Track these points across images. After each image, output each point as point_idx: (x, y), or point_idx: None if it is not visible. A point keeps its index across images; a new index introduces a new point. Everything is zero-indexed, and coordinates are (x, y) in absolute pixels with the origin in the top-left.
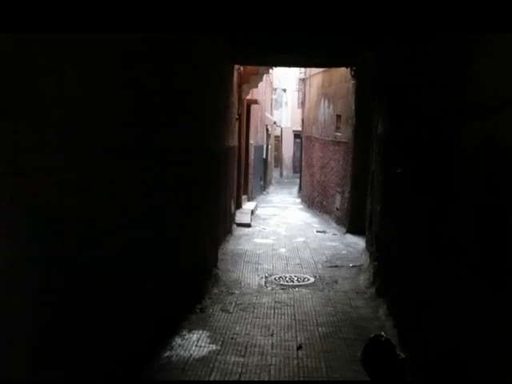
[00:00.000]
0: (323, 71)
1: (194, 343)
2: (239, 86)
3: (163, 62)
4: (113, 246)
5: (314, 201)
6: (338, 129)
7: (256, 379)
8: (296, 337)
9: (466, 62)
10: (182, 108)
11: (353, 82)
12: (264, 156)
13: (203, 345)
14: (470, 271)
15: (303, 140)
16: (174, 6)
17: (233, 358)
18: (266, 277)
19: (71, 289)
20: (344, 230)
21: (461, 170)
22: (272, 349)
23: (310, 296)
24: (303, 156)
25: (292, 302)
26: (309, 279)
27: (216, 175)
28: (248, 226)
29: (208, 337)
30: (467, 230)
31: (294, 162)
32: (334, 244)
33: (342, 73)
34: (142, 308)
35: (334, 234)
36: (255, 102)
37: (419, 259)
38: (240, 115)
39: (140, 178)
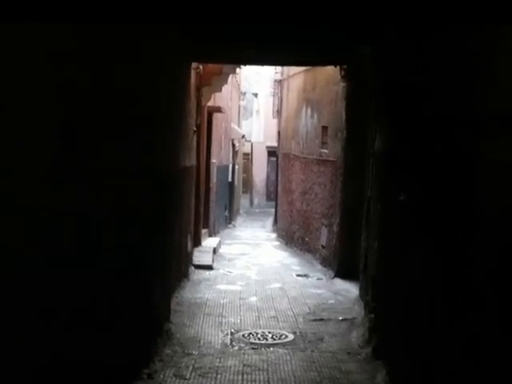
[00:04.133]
0: (305, 70)
1: None
2: (198, 90)
3: (101, 61)
4: (30, 293)
5: (293, 236)
6: (323, 144)
7: None
8: None
9: (487, 60)
10: (123, 118)
11: (343, 84)
12: (230, 179)
13: None
14: (493, 327)
15: (280, 158)
16: None
17: None
18: (231, 333)
19: None
20: (332, 273)
21: (481, 195)
22: None
23: (288, 358)
24: (280, 179)
25: (265, 366)
26: (287, 336)
27: (168, 204)
28: (209, 268)
29: None
30: (490, 275)
31: (267, 186)
32: (318, 291)
33: (330, 72)
34: (69, 375)
35: (318, 279)
36: (218, 109)
37: (428, 311)
38: (199, 127)
39: (69, 209)
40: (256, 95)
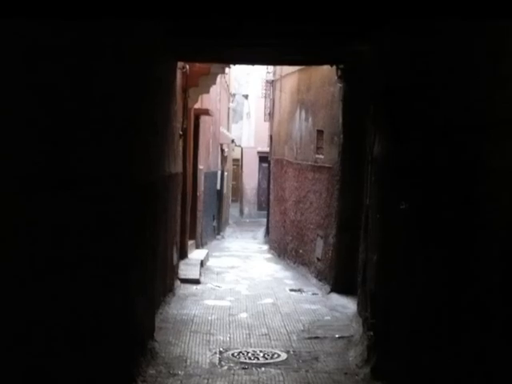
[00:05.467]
0: (299, 70)
1: None
2: (184, 91)
3: (77, 60)
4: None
5: (286, 248)
6: (319, 149)
7: None
8: None
9: (494, 60)
10: (103, 121)
11: (340, 85)
12: (218, 187)
13: None
14: (500, 341)
15: (272, 165)
16: None
17: None
18: (220, 352)
19: None
20: (328, 287)
21: (487, 204)
22: None
23: (280, 379)
24: (272, 187)
25: None
26: (279, 355)
27: (151, 213)
28: (196, 282)
29: None
30: (496, 288)
31: (258, 194)
32: (313, 307)
33: (325, 73)
34: None
35: (313, 294)
36: (206, 112)
37: (432, 327)
38: (185, 131)
39: (48, 218)
40: (246, 97)
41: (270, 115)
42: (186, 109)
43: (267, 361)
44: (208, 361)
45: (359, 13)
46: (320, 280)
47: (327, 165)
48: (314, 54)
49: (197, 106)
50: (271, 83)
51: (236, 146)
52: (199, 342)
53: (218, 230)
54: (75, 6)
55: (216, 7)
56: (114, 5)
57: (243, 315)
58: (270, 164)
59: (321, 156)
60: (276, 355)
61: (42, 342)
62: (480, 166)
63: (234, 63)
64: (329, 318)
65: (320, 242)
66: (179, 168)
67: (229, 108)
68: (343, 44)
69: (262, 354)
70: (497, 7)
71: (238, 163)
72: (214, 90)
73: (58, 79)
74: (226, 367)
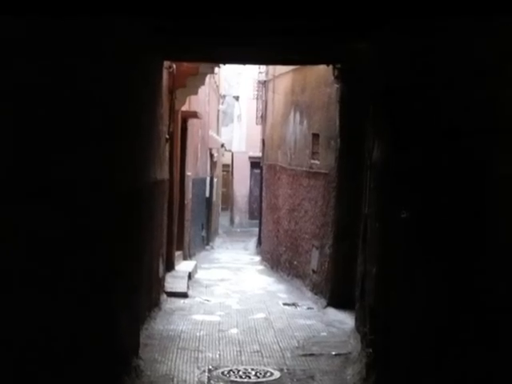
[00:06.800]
0: (294, 70)
1: None
2: (171, 92)
3: (54, 60)
4: None
5: (279, 259)
6: (314, 154)
7: None
8: None
9: (503, 58)
10: (81, 124)
11: (336, 85)
12: (207, 194)
13: None
14: (508, 361)
15: (264, 171)
16: None
17: None
18: (209, 370)
19: None
20: (324, 301)
21: (496, 214)
22: None
23: None
24: (264, 194)
25: None
26: (272, 374)
27: (135, 223)
28: (184, 295)
29: None
30: (504, 304)
31: (250, 202)
32: (308, 322)
33: (321, 73)
34: None
35: (308, 308)
36: (194, 114)
37: (434, 344)
38: (172, 134)
39: (20, 228)
40: (237, 98)
41: (263, 118)
42: (172, 111)
43: (259, 379)
44: (196, 379)
45: (359, 13)
46: (315, 293)
47: (323, 171)
48: (311, 53)
49: (184, 108)
50: (263, 84)
51: (226, 150)
52: (187, 359)
53: (206, 241)
54: (49, 1)
55: (203, 3)
56: (94, 1)
57: (234, 331)
58: (262, 170)
59: (316, 161)
60: (269, 373)
61: (10, 363)
62: (489, 172)
63: (225, 63)
64: (325, 333)
65: (315, 253)
66: (165, 174)
67: (218, 110)
68: (341, 43)
69: (253, 373)
70: (499, 5)
71: (228, 169)
72: (202, 91)
73: (29, 80)
74: None
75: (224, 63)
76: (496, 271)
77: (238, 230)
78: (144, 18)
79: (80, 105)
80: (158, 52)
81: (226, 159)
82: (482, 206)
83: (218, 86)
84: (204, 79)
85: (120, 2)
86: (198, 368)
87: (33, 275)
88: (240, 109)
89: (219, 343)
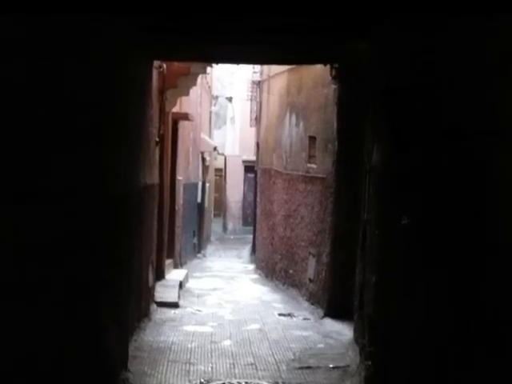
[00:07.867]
0: (289, 70)
1: None
2: (161, 93)
3: (39, 59)
4: None
5: (274, 268)
6: (311, 158)
7: None
8: None
9: (505, 58)
10: (66, 127)
11: (334, 86)
12: (199, 199)
13: None
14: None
15: (259, 175)
16: None
17: None
18: None
19: None
20: (321, 312)
21: (501, 219)
22: None
23: None
24: (259, 200)
25: None
26: None
27: (123, 229)
28: (175, 305)
29: None
30: (507, 313)
31: (244, 208)
32: (305, 334)
33: (318, 72)
34: None
35: (305, 319)
36: (185, 116)
37: (436, 357)
38: (162, 137)
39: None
40: (230, 99)
41: (257, 120)
42: (163, 113)
43: None
44: None
45: (360, 7)
46: (312, 303)
47: (320, 175)
48: (308, 53)
49: (175, 109)
50: (258, 84)
51: (219, 154)
52: (178, 372)
53: (198, 248)
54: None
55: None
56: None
57: (227, 342)
58: (256, 174)
59: (313, 165)
60: None
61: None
62: (493, 176)
63: (218, 62)
64: (322, 345)
65: (312, 261)
66: (155, 179)
67: (211, 112)
68: (341, 43)
69: None
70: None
71: (220, 173)
72: (194, 91)
73: (14, 81)
74: None
75: (217, 63)
76: (498, 277)
77: (232, 237)
78: (131, 17)
79: (65, 106)
80: (148, 51)
81: (219, 163)
82: (485, 211)
83: (210, 87)
84: (196, 79)
85: (107, 1)
86: (190, 381)
87: (14, 286)
88: (233, 110)
89: (211, 355)
